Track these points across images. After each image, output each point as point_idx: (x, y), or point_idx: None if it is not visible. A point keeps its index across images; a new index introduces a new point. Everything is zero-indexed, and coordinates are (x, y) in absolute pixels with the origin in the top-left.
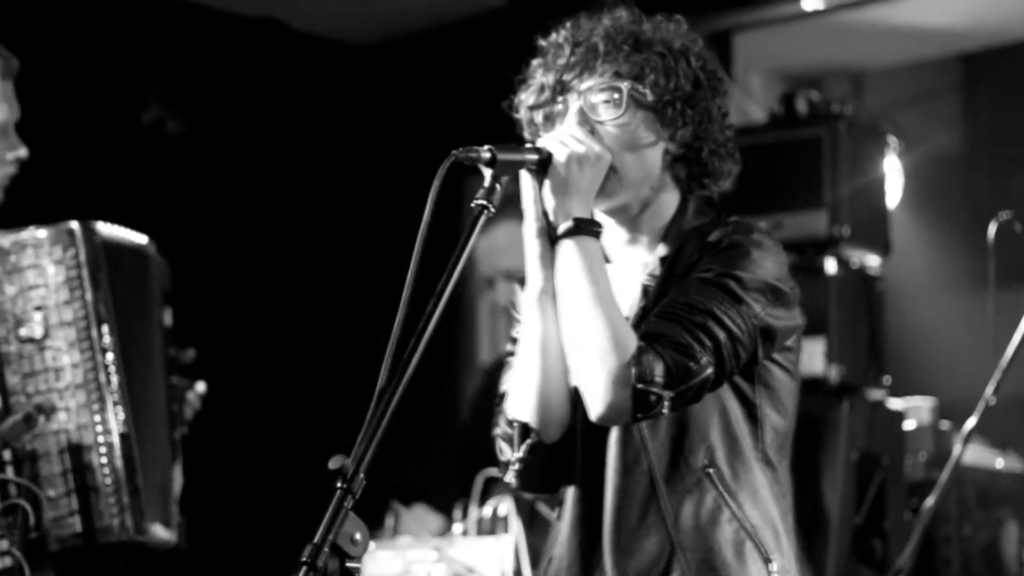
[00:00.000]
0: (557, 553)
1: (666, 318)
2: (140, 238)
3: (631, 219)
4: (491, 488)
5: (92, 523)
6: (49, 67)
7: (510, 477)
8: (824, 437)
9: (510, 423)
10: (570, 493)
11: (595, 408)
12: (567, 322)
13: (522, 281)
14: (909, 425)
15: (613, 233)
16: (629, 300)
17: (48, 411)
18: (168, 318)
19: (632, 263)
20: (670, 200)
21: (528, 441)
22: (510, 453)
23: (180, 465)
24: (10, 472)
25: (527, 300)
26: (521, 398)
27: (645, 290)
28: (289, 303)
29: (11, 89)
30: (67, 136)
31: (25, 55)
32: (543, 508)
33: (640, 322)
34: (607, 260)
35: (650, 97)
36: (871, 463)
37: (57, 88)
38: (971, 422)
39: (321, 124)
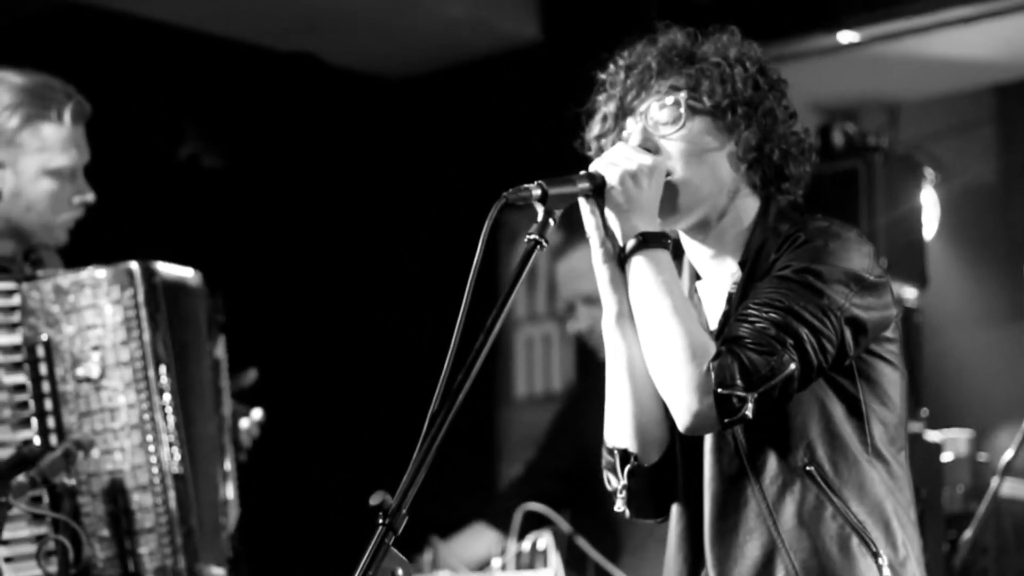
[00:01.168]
0: (664, 574)
1: (744, 320)
2: (190, 273)
3: (712, 232)
4: (530, 522)
5: (145, 564)
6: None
7: (619, 506)
8: None
9: (611, 451)
10: (674, 510)
11: (681, 418)
12: (644, 335)
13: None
14: (947, 457)
15: (698, 249)
16: (718, 312)
17: (87, 447)
18: (221, 349)
19: (720, 276)
20: (750, 208)
21: (628, 466)
22: (616, 482)
23: (234, 496)
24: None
25: (606, 327)
26: (616, 425)
27: (730, 298)
28: (326, 337)
29: (82, 133)
30: (103, 171)
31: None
32: (582, 542)
33: (723, 329)
34: (698, 277)
35: (708, 104)
36: None
37: (93, 124)
38: (1009, 454)
39: (357, 159)
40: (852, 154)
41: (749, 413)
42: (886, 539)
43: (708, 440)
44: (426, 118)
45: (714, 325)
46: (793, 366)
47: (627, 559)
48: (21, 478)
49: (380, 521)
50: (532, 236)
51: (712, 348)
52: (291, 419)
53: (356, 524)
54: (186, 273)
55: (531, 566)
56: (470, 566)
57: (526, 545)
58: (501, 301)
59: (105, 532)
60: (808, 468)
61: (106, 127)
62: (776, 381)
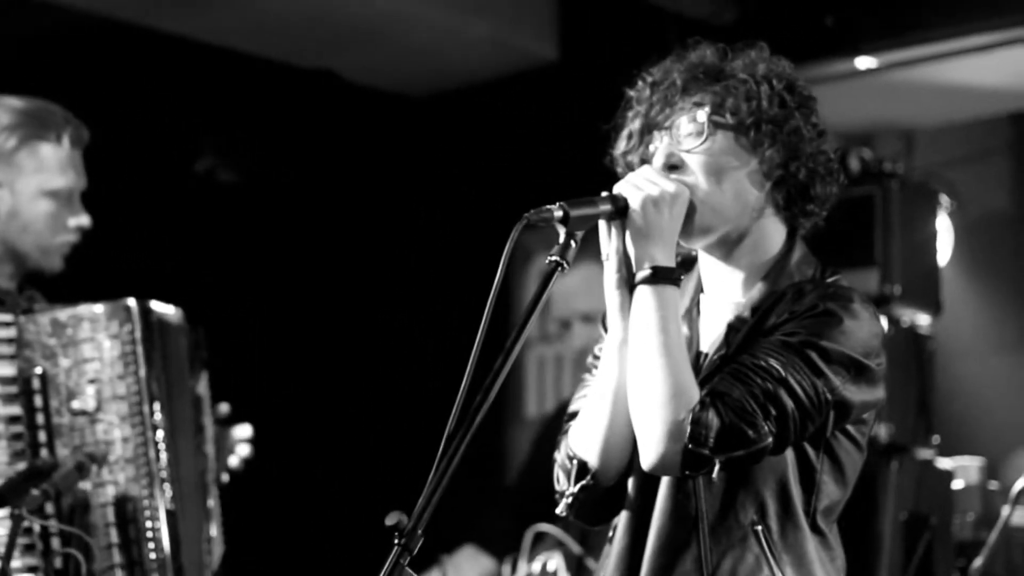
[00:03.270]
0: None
1: (737, 378)
2: (173, 310)
3: (729, 250)
4: (540, 543)
5: None
6: (102, 117)
7: (561, 508)
8: (873, 496)
9: (571, 457)
10: (621, 522)
11: (647, 458)
12: (633, 368)
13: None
14: (958, 485)
15: (712, 264)
16: (713, 335)
17: (100, 460)
18: (203, 386)
19: (725, 297)
20: (772, 231)
21: (582, 482)
22: (566, 485)
23: (218, 533)
24: (53, 521)
25: (607, 350)
26: (585, 438)
27: (729, 331)
28: (343, 354)
29: (80, 158)
30: (119, 186)
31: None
32: (591, 563)
33: (715, 369)
34: (701, 290)
35: (731, 121)
36: (919, 523)
37: (110, 138)
38: (1020, 483)
39: (375, 176)
40: (868, 180)
41: (714, 474)
42: None
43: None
44: (445, 136)
45: (706, 347)
46: (769, 440)
47: None
48: (34, 491)
49: (396, 541)
50: (554, 258)
51: (695, 397)
52: (306, 435)
53: (355, 550)
54: (169, 310)
55: None
56: None
57: (536, 566)
58: (521, 323)
59: (86, 539)
60: (756, 527)
61: (124, 141)
62: (749, 451)
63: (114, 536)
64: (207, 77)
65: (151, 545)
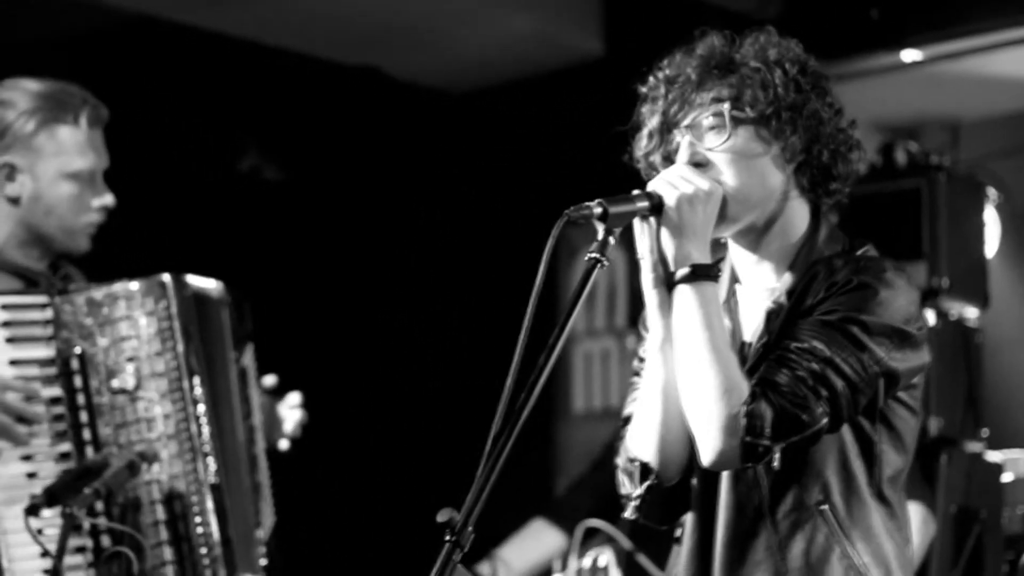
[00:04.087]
0: None
1: (783, 364)
2: (214, 284)
3: (758, 238)
4: (591, 538)
5: (185, 574)
6: (148, 114)
7: (629, 511)
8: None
9: (631, 460)
10: (688, 520)
11: (705, 455)
12: (681, 368)
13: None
14: (1007, 478)
15: (742, 253)
16: (753, 324)
17: (151, 459)
18: (249, 358)
19: (759, 285)
20: (798, 214)
21: (647, 482)
22: (630, 488)
23: (269, 504)
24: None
25: (650, 350)
26: (642, 440)
27: (768, 318)
28: (386, 350)
29: (99, 137)
30: (164, 183)
31: (124, 102)
32: (643, 559)
33: (760, 357)
34: (737, 280)
35: (752, 113)
36: (969, 516)
37: (155, 135)
38: None
39: (419, 172)
40: (915, 173)
41: (775, 462)
42: None
43: None
44: (489, 132)
45: (748, 336)
46: (824, 420)
47: None
48: (86, 490)
49: (447, 538)
50: (593, 255)
51: (745, 390)
52: (345, 433)
53: (400, 531)
54: (210, 283)
55: None
56: (531, 570)
57: (587, 562)
58: (563, 319)
59: (139, 539)
60: (822, 507)
61: (169, 138)
62: (805, 434)
63: (160, 512)
64: (251, 75)
65: (197, 520)
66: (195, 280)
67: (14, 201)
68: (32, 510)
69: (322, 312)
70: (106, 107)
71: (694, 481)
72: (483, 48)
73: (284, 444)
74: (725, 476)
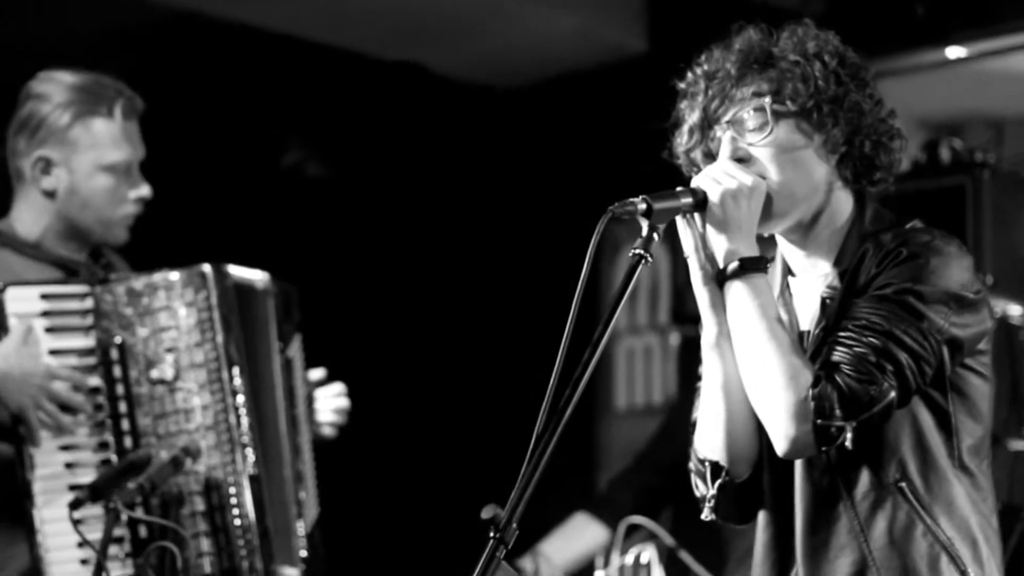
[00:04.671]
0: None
1: (844, 344)
2: (259, 274)
3: (806, 232)
4: (633, 535)
5: (222, 565)
6: (192, 109)
7: (706, 512)
8: None
9: (701, 461)
10: (761, 516)
11: (779, 444)
12: (743, 362)
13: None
14: None
15: (792, 249)
16: (810, 313)
17: (195, 454)
18: (295, 349)
19: (813, 275)
20: (844, 204)
21: (719, 481)
22: (704, 489)
23: (313, 495)
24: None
25: (705, 347)
26: (709, 439)
27: (824, 304)
28: (428, 345)
29: (135, 129)
30: (208, 177)
31: (169, 97)
32: (685, 556)
33: (820, 343)
34: (791, 273)
35: (792, 107)
36: (1012, 514)
37: (200, 130)
38: None
39: (461, 168)
40: (959, 170)
41: (848, 443)
42: (973, 556)
43: None
44: (532, 128)
45: (805, 325)
46: (893, 394)
47: (730, 572)
48: (130, 485)
49: (492, 535)
50: (637, 251)
51: (810, 375)
52: (389, 426)
53: (444, 527)
54: (253, 274)
55: None
56: (573, 565)
57: (629, 558)
58: (607, 316)
59: (182, 533)
60: (900, 484)
61: (212, 134)
62: (876, 410)
63: (199, 503)
64: (295, 70)
65: (235, 511)
66: (237, 271)
67: (51, 195)
68: (75, 504)
69: (364, 307)
70: (140, 98)
71: (765, 476)
72: (527, 44)
73: (328, 432)
74: (798, 466)
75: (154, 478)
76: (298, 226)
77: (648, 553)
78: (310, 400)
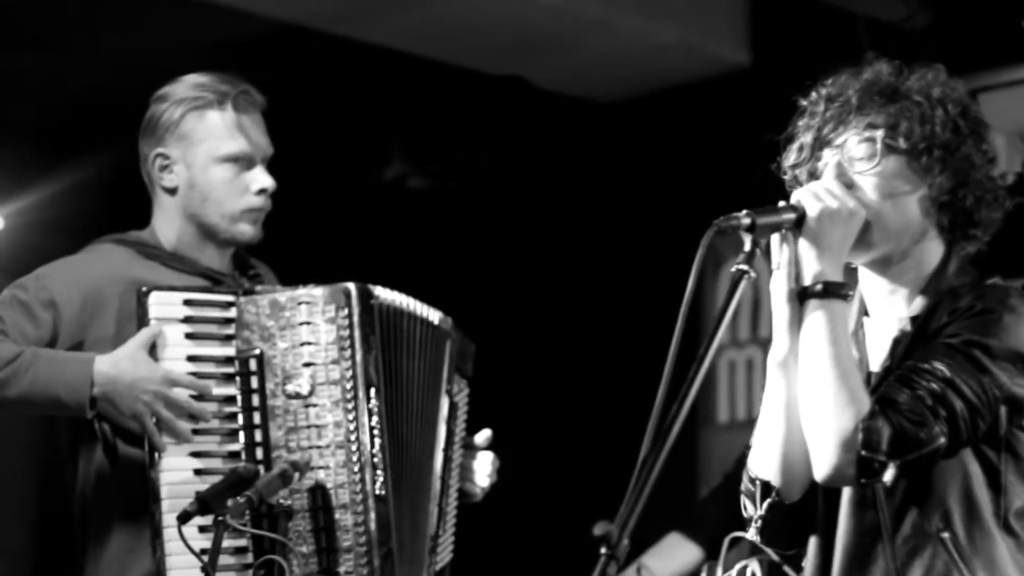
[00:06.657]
0: None
1: (903, 383)
2: (431, 312)
3: (892, 270)
4: (736, 549)
5: None
6: (295, 123)
7: (752, 533)
8: None
9: (752, 480)
10: (811, 544)
11: (820, 470)
12: (804, 382)
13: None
14: None
15: (873, 284)
16: (881, 354)
17: (303, 468)
18: (460, 397)
19: (890, 316)
20: (933, 251)
21: (769, 500)
22: (752, 510)
23: (448, 537)
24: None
25: (772, 362)
26: (764, 458)
27: (893, 345)
28: (535, 363)
29: (253, 121)
30: (311, 191)
31: (272, 110)
32: (790, 571)
33: (880, 382)
34: (866, 313)
35: (904, 145)
36: None
37: (303, 144)
38: None
39: (564, 182)
40: None
41: (888, 480)
42: None
43: (848, 489)
44: (634, 141)
45: (875, 366)
46: (942, 440)
47: None
48: (239, 498)
49: (603, 551)
50: (741, 266)
51: (867, 406)
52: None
53: (554, 541)
54: (420, 307)
55: None
56: None
57: (733, 573)
58: (712, 331)
59: (304, 549)
60: (943, 535)
61: (315, 148)
62: (923, 452)
63: (322, 519)
64: (397, 84)
65: (359, 529)
66: (385, 293)
67: (172, 192)
68: (184, 517)
69: (465, 320)
70: (259, 93)
71: (820, 504)
72: (628, 58)
73: (478, 492)
74: (846, 499)
75: (262, 491)
76: (399, 240)
77: (753, 566)
78: (468, 447)
